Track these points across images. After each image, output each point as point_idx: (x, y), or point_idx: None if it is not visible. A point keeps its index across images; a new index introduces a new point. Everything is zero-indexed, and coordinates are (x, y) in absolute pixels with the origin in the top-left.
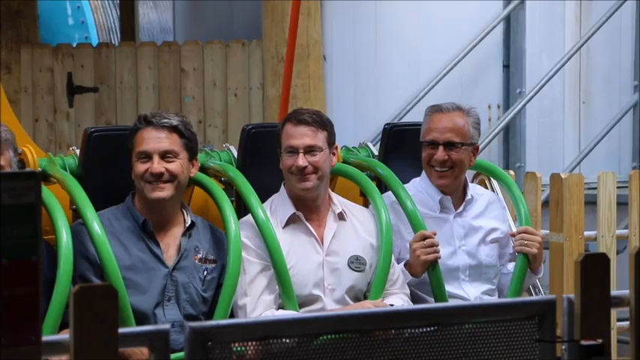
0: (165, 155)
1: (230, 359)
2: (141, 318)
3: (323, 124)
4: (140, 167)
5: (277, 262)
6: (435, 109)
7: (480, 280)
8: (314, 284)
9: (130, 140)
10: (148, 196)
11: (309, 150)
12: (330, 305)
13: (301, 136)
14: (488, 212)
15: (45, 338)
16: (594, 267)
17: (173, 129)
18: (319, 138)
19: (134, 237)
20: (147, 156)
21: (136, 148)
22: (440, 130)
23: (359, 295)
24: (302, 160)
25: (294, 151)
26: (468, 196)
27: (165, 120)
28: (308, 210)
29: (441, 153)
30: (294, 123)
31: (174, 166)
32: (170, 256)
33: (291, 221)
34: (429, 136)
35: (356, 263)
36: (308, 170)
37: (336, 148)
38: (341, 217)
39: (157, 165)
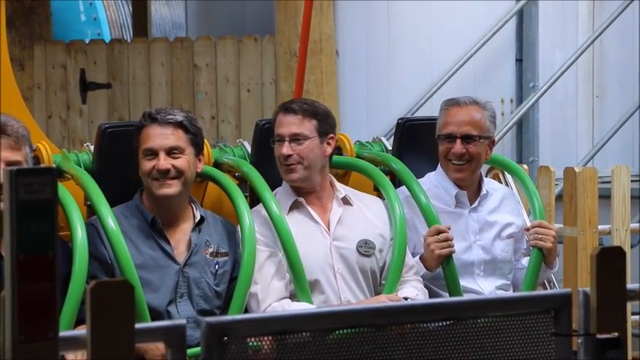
0: (171, 152)
1: (246, 354)
2: (154, 316)
3: (313, 112)
4: (147, 164)
5: (292, 257)
6: (452, 103)
7: (494, 275)
8: (323, 268)
9: (135, 137)
10: (156, 193)
11: (295, 138)
12: (343, 288)
13: (288, 124)
14: (503, 207)
15: (62, 334)
16: (610, 261)
17: (178, 125)
18: (306, 127)
19: (144, 235)
20: (153, 153)
21: (141, 145)
22: (457, 123)
23: (373, 277)
24: (286, 149)
25: (280, 139)
26: (483, 191)
27: (170, 116)
28: (309, 196)
29: (458, 146)
30: (283, 112)
31: (181, 162)
32: (181, 252)
33: (294, 207)
34: (447, 130)
35: (365, 247)
36: (293, 159)
37: (332, 138)
38: (345, 201)
39: (164, 162)
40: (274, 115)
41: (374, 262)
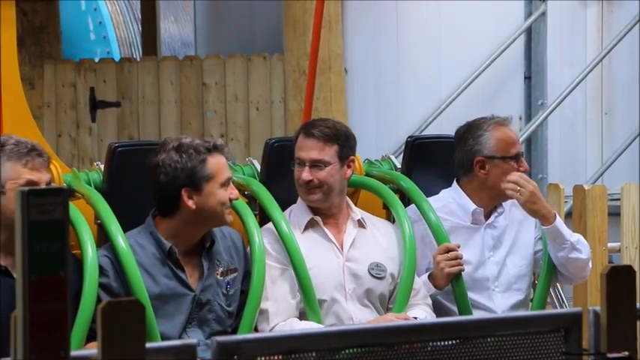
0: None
1: None
2: None
3: (335, 137)
4: (225, 194)
5: (301, 276)
6: (505, 122)
7: (510, 291)
8: (335, 288)
9: (201, 169)
10: (227, 221)
11: (315, 164)
12: (353, 309)
13: (309, 149)
14: (516, 222)
15: (73, 353)
16: (620, 279)
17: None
18: (327, 152)
19: (159, 264)
20: (228, 183)
21: (219, 176)
22: (519, 142)
23: (382, 300)
24: (306, 174)
25: (301, 163)
26: (500, 208)
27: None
28: (325, 216)
29: (525, 164)
30: (304, 135)
31: None
32: (195, 278)
33: (309, 226)
34: (515, 149)
35: (376, 270)
36: (313, 184)
37: (353, 160)
38: (360, 224)
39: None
40: (295, 135)
41: (385, 285)
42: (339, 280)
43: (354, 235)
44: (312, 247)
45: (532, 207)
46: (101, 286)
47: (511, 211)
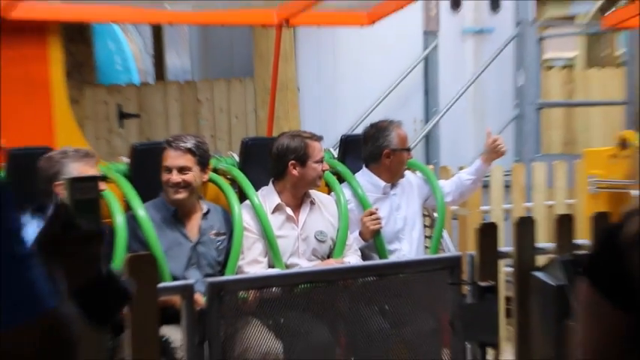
0: (182, 169)
1: (236, 303)
2: (174, 279)
3: None
4: (164, 177)
5: (268, 234)
6: (400, 124)
7: (412, 237)
8: (292, 252)
9: (162, 156)
10: (170, 197)
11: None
12: (304, 264)
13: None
14: (406, 188)
15: None
16: (488, 232)
17: (188, 150)
18: None
19: (167, 223)
20: (168, 170)
21: (162, 163)
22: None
23: (324, 256)
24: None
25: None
26: (399, 180)
27: (182, 143)
28: (289, 199)
29: (411, 154)
30: (318, 140)
31: (189, 177)
32: (194, 234)
33: (277, 209)
34: (407, 144)
35: (320, 236)
36: None
37: None
38: (312, 203)
39: (175, 177)
40: (302, 142)
41: (326, 246)
42: (295, 246)
43: (307, 212)
44: (278, 224)
45: (499, 156)
46: (133, 238)
47: (401, 182)
